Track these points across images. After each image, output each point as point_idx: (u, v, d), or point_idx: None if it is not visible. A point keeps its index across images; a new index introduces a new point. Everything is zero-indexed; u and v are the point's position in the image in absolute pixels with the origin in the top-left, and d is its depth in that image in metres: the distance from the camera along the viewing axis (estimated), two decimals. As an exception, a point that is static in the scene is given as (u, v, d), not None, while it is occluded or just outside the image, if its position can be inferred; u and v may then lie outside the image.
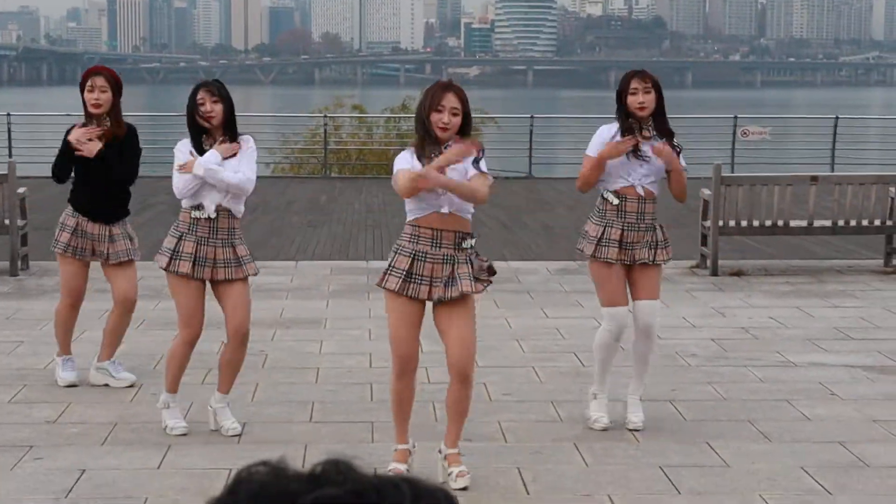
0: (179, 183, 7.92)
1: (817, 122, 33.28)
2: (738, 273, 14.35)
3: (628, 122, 8.15)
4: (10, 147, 26.51)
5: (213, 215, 7.90)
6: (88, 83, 9.10)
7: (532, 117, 28.02)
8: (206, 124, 7.91)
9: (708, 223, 14.62)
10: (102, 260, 9.26)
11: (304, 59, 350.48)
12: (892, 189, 14.83)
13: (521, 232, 18.17)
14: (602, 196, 8.21)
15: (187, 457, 7.64)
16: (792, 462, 7.59)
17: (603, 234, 8.12)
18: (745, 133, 26.70)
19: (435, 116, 6.97)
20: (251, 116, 34.97)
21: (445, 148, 6.97)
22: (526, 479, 7.26)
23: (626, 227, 8.10)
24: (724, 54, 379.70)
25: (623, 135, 8.12)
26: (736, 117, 27.39)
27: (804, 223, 14.90)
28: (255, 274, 8.18)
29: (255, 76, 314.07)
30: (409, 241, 7.05)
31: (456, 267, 7.01)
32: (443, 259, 7.00)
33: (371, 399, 9.00)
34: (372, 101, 35.91)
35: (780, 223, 14.67)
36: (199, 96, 7.93)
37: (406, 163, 6.97)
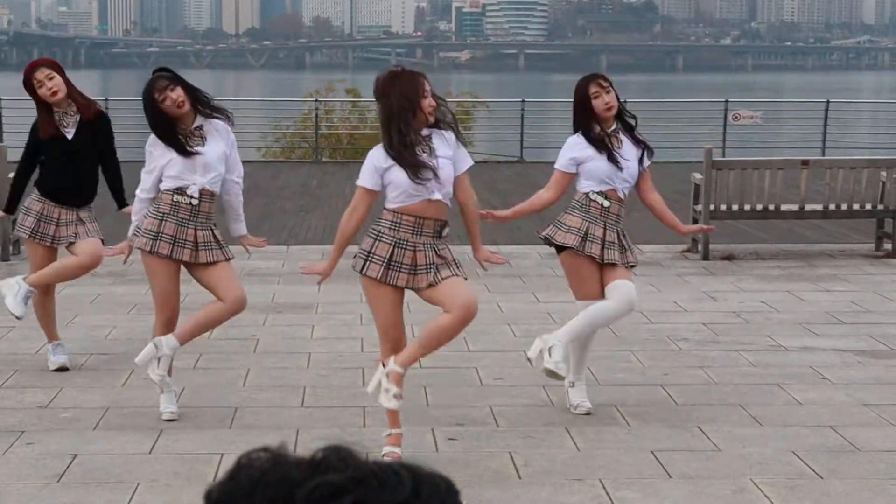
0: (146, 184, 7.95)
1: (808, 106, 33.28)
2: (730, 257, 14.37)
3: (598, 132, 8.16)
4: (0, 131, 26.45)
5: (195, 201, 7.90)
6: (35, 82, 8.97)
7: (523, 101, 27.98)
8: (178, 112, 7.85)
9: (699, 207, 14.62)
10: (67, 244, 9.22)
11: (295, 44, 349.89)
12: (884, 173, 14.84)
13: (512, 216, 18.15)
14: (587, 195, 8.20)
15: (179, 441, 7.64)
16: (783, 446, 7.61)
17: (588, 230, 8.11)
18: (736, 117, 26.70)
19: (425, 102, 6.99)
20: (242, 101, 34.91)
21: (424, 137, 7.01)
22: (518, 463, 7.27)
23: (608, 227, 8.11)
24: (715, 38, 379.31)
25: (595, 146, 8.12)
26: (727, 101, 27.39)
27: (795, 207, 14.90)
28: (231, 258, 8.17)
29: (246, 60, 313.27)
30: (390, 229, 7.06)
31: (438, 252, 7.02)
32: (423, 247, 7.01)
33: (363, 384, 8.98)
34: (363, 85, 35.73)
35: (772, 207, 14.68)
36: (155, 94, 7.85)
37: (375, 174, 7.01)
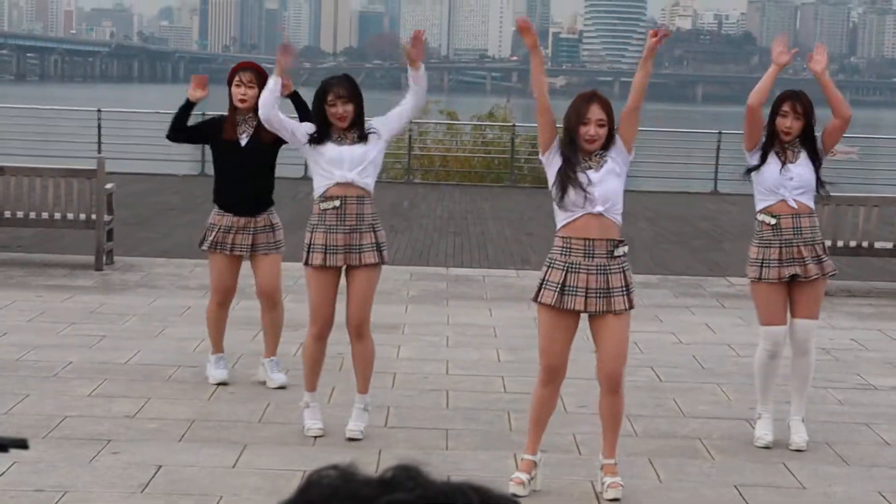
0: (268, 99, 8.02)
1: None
2: (821, 293, 14.21)
3: (774, 144, 8.18)
4: (99, 143, 26.83)
5: (337, 205, 7.93)
6: (236, 78, 9.15)
7: (616, 129, 27.88)
8: (338, 124, 7.91)
9: (792, 242, 14.48)
10: (248, 253, 9.29)
11: (392, 65, 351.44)
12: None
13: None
14: (757, 218, 8.20)
15: (262, 457, 7.69)
16: (869, 486, 7.51)
17: (763, 255, 8.12)
18: (832, 152, 26.41)
19: (582, 129, 7.02)
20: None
21: (596, 156, 7.06)
22: (599, 492, 7.23)
23: (783, 244, 8.08)
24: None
25: (764, 155, 8.16)
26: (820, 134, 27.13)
27: (890, 245, 14.73)
28: (384, 262, 8.23)
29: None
30: (561, 254, 7.06)
31: (610, 278, 6.99)
32: (596, 269, 6.99)
33: (447, 406, 9.00)
34: (458, 107, 35.88)
35: (865, 244, 14.52)
36: (329, 98, 7.93)
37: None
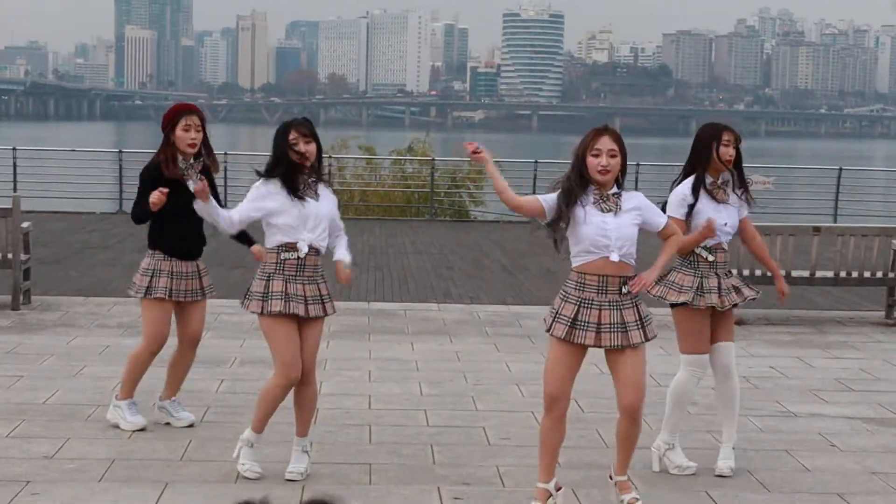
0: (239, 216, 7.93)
1: (821, 172, 33.33)
2: (739, 322, 14.34)
3: (716, 180, 8.30)
4: (14, 181, 26.57)
5: (303, 255, 7.92)
6: (184, 122, 8.81)
7: (536, 162, 28.08)
8: (301, 161, 7.85)
9: (710, 271, 14.60)
10: (189, 299, 9.09)
11: (309, 100, 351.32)
12: (895, 241, 14.84)
13: (522, 276, 18.17)
14: (695, 252, 8.23)
15: (185, 495, 7.62)
16: (790, 513, 7.57)
17: (701, 284, 8.17)
18: (751, 181, 26.70)
19: (592, 161, 7.02)
20: (256, 155, 34.90)
21: (613, 197, 7.11)
22: (531, 523, 7.23)
23: (720, 276, 8.23)
24: (728, 103, 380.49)
25: (709, 191, 8.27)
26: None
27: (806, 273, 14.90)
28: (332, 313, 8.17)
29: (260, 115, 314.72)
30: (576, 289, 7.07)
31: (623, 313, 7.03)
32: (609, 305, 7.01)
33: (369, 441, 8.98)
34: (377, 143, 35.95)
35: (782, 273, 14.66)
36: (291, 136, 7.89)
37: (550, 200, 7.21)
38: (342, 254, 8.26)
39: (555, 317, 7.12)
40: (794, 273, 14.79)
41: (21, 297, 14.17)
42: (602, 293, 7.02)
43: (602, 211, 7.05)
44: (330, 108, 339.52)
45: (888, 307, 15.08)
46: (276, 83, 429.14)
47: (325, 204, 8.00)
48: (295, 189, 7.83)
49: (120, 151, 28.11)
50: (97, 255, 19.28)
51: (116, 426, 9.13)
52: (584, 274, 7.05)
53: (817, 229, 14.92)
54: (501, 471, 8.28)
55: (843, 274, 14.89)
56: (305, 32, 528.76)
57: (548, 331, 7.18)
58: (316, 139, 7.96)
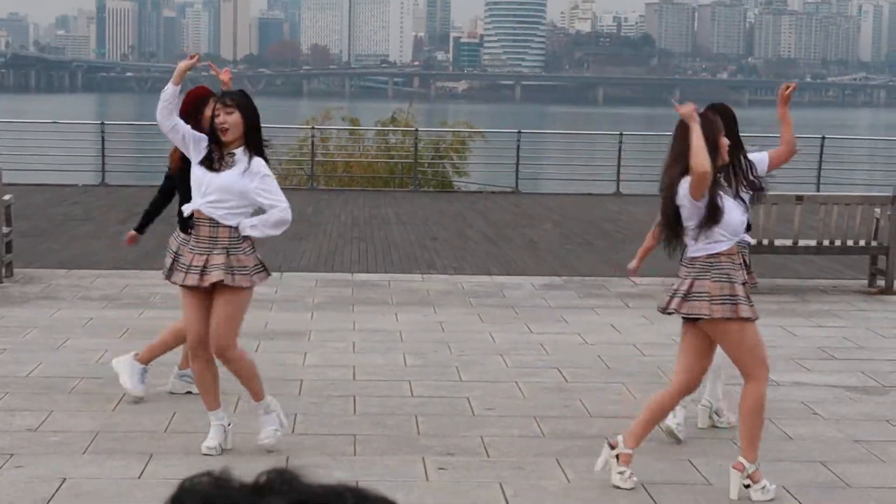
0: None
1: (804, 141, 33.23)
2: (723, 291, 14.35)
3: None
4: (-5, 153, 26.48)
5: (185, 215, 7.90)
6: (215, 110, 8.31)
7: (519, 132, 28.05)
8: (220, 131, 7.72)
9: (693, 241, 14.60)
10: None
11: (293, 71, 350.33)
12: (877, 210, 14.87)
13: (506, 246, 18.18)
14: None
15: (168, 467, 7.62)
16: (773, 481, 7.59)
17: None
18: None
19: (723, 140, 7.30)
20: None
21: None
22: (507, 494, 7.25)
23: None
24: (711, 72, 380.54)
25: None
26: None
27: (789, 242, 14.92)
28: (246, 286, 7.89)
29: (243, 87, 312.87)
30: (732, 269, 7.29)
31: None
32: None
33: (354, 412, 8.98)
34: (360, 114, 35.84)
35: (765, 242, 14.69)
36: (216, 106, 7.81)
37: None
38: (246, 221, 7.82)
39: (735, 300, 7.23)
40: (777, 242, 14.81)
41: (3, 270, 14.13)
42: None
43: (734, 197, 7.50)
44: (313, 79, 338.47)
45: (871, 275, 15.11)
46: (258, 54, 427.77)
47: (226, 176, 7.71)
48: (208, 156, 7.76)
49: (102, 123, 27.98)
50: (80, 227, 19.24)
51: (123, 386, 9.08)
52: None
53: (800, 198, 14.93)
54: (486, 441, 8.30)
55: (825, 243, 14.91)
56: (288, 3, 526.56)
57: (740, 316, 7.22)
58: (242, 108, 7.76)
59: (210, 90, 9.04)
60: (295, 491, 1.24)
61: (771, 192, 15.78)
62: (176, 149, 8.46)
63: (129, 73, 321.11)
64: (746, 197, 7.73)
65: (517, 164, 27.07)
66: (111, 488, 7.22)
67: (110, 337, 11.29)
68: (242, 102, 7.81)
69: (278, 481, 1.25)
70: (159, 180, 9.44)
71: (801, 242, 14.92)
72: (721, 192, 7.25)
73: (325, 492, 1.24)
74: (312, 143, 27.78)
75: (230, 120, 7.70)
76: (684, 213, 7.24)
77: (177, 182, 8.85)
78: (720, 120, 7.39)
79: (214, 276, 7.69)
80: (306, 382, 9.79)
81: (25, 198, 20.27)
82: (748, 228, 7.74)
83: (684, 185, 7.16)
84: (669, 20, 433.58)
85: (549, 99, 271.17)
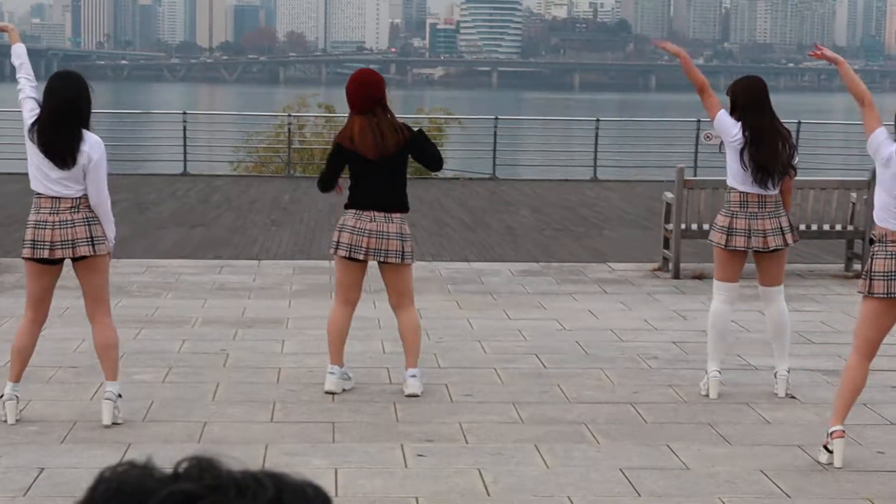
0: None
1: (780, 126, 33.39)
2: (700, 276, 14.39)
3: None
4: (-29, 143, 26.34)
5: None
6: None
7: (496, 118, 28.03)
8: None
9: (670, 226, 14.65)
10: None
11: (269, 58, 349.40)
12: (854, 194, 14.92)
13: (484, 233, 18.18)
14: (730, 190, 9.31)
15: (146, 456, 7.59)
16: (752, 465, 7.62)
17: (730, 224, 9.21)
18: (707, 136, 26.59)
19: None
20: (215, 115, 34.79)
21: None
22: (487, 480, 7.26)
23: (749, 217, 9.20)
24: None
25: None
26: (699, 121, 27.43)
27: (766, 227, 14.93)
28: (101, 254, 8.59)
29: (219, 74, 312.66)
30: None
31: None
32: None
33: (332, 400, 8.98)
34: (336, 100, 35.68)
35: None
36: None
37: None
38: None
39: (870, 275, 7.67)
40: (754, 227, 14.82)
41: (-20, 260, 14.07)
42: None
43: None
44: (289, 66, 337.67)
45: (847, 260, 15.16)
46: (234, 42, 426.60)
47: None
48: None
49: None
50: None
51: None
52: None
53: (777, 183, 14.95)
54: (464, 427, 8.30)
55: (802, 227, 14.93)
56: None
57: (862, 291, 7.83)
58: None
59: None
60: (211, 476, 1.23)
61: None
62: None
63: (103, 61, 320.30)
64: None
65: (494, 150, 27.05)
66: (90, 478, 7.13)
67: (87, 326, 11.22)
68: (65, 85, 8.56)
69: (196, 468, 1.25)
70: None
71: (778, 227, 14.93)
72: None
73: (242, 477, 1.23)
74: (289, 130, 27.71)
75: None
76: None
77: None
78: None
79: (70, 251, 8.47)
80: (284, 370, 9.78)
81: (1, 187, 20.17)
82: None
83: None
84: (645, 6, 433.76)
85: (525, 85, 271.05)
